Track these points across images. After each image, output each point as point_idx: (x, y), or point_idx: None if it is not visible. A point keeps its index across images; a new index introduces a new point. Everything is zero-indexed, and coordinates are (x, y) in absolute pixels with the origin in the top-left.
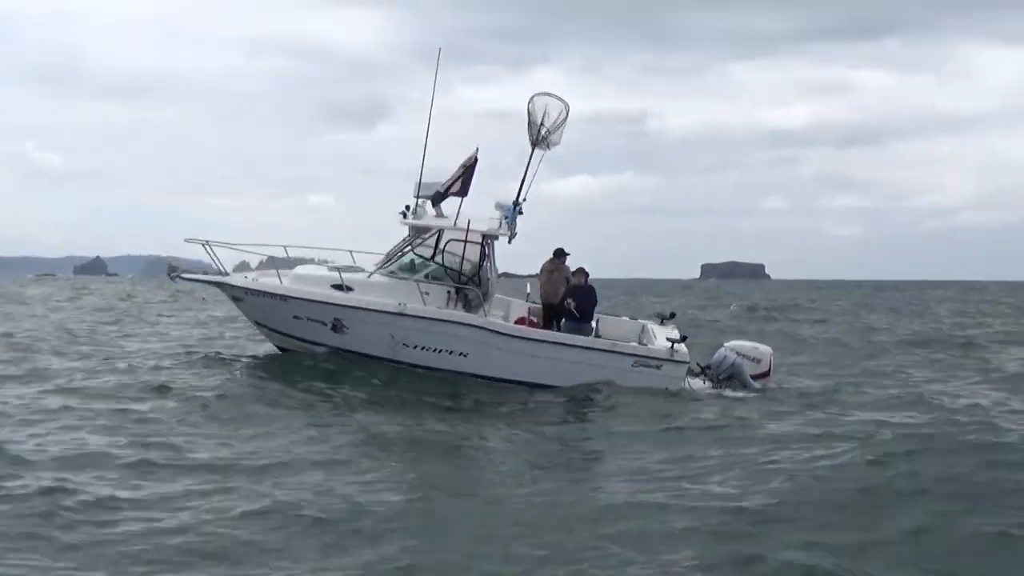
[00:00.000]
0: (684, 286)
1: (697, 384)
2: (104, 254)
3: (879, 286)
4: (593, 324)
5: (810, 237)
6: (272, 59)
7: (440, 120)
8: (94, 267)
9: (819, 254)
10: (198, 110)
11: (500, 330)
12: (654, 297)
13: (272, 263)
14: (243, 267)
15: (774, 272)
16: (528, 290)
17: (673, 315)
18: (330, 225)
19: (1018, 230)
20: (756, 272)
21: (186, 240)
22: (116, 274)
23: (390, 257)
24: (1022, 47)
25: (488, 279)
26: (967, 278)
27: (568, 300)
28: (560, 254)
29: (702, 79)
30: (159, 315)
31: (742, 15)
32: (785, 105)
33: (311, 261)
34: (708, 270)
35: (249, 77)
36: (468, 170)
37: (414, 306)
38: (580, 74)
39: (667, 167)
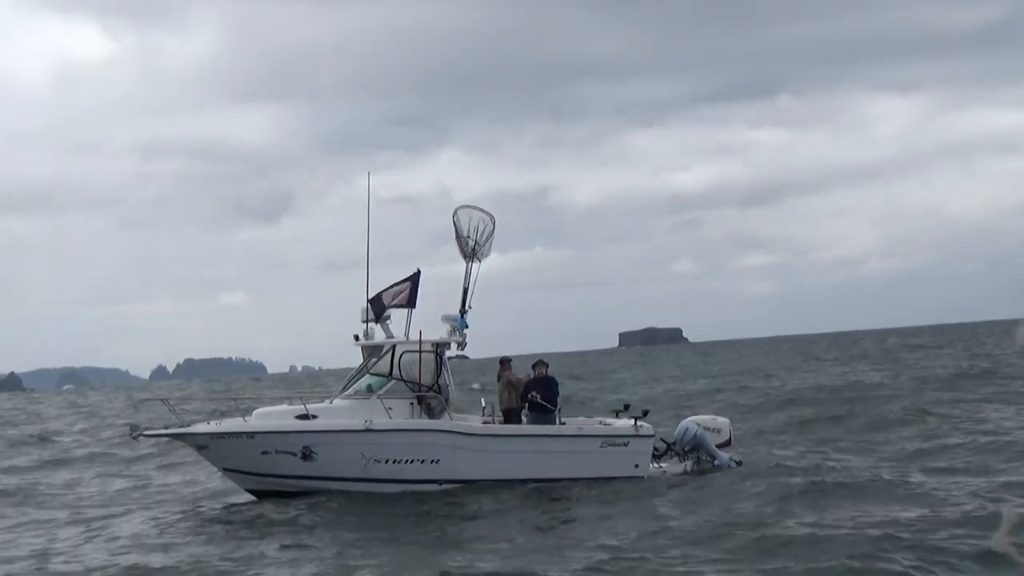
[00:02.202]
0: (605, 354)
1: (664, 463)
2: (19, 369)
3: (789, 340)
4: (557, 413)
5: (723, 297)
6: (170, 162)
7: (346, 211)
8: (10, 383)
9: (734, 313)
10: (99, 218)
11: (468, 431)
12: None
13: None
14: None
15: (692, 335)
16: (484, 404)
17: (627, 406)
18: (244, 323)
19: (924, 274)
20: (674, 336)
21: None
22: (34, 389)
23: (347, 383)
24: (911, 95)
25: (447, 386)
26: (880, 326)
27: (532, 392)
28: (505, 362)
29: (601, 149)
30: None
31: (635, 84)
32: (684, 169)
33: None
34: (626, 338)
35: (148, 181)
36: (413, 282)
37: (380, 420)
38: (480, 153)
39: (575, 239)
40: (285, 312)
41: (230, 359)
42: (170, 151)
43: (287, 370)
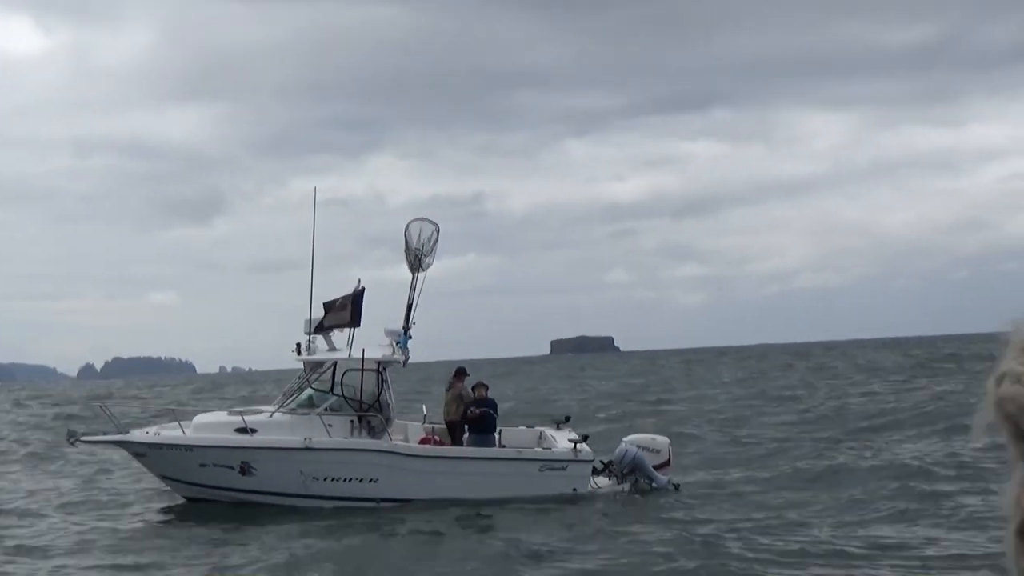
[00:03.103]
0: (535, 363)
1: (602, 481)
2: None
3: (723, 351)
4: (495, 435)
5: (656, 307)
6: (102, 158)
7: (279, 212)
8: None
9: (666, 324)
10: (29, 213)
11: (407, 452)
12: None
13: (173, 415)
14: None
15: (623, 344)
16: (425, 411)
17: (568, 418)
18: (174, 323)
19: (856, 289)
20: (605, 345)
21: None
22: None
23: (288, 395)
24: (846, 111)
25: (389, 404)
26: (811, 339)
27: (472, 409)
28: (460, 373)
29: (537, 157)
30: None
31: (572, 94)
32: (619, 179)
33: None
34: (558, 346)
35: (79, 177)
36: (356, 299)
37: (320, 439)
38: (415, 159)
39: (509, 246)
40: (216, 312)
41: (159, 358)
42: (103, 148)
43: (217, 370)
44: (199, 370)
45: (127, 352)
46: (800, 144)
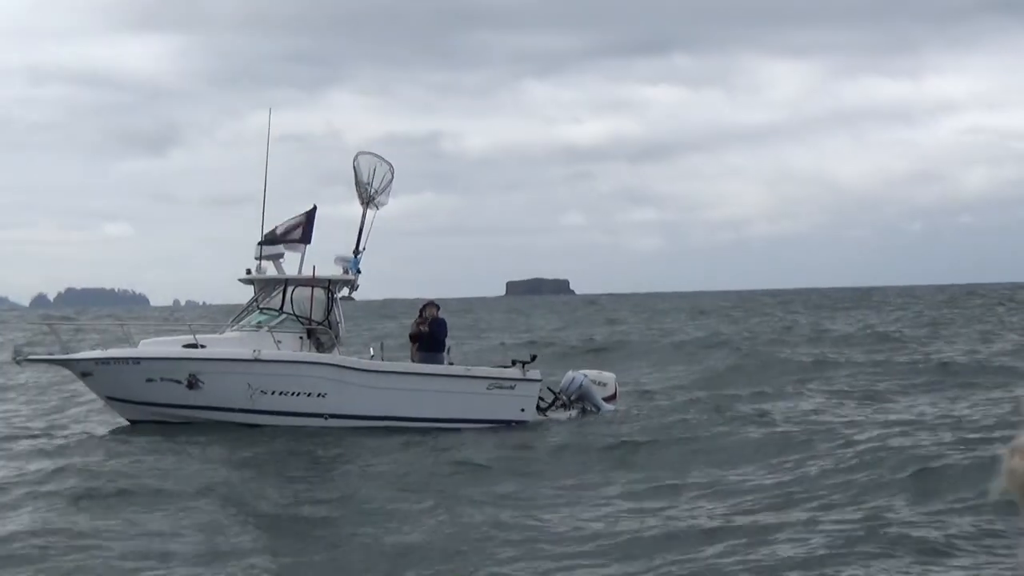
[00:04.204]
0: (491, 303)
1: (552, 414)
2: None
3: (682, 297)
4: (445, 354)
5: (611, 251)
6: (57, 86)
7: (235, 146)
8: None
9: (621, 267)
10: None
11: (356, 366)
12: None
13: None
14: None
15: (578, 287)
16: (372, 353)
17: (534, 357)
18: (127, 255)
19: (811, 238)
20: (560, 288)
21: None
22: None
23: (238, 317)
24: (805, 60)
25: (338, 323)
26: (762, 287)
27: (421, 328)
28: (429, 306)
29: (496, 97)
30: None
31: (532, 33)
32: (577, 122)
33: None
34: (513, 287)
35: (33, 105)
36: (308, 217)
37: (269, 351)
38: (373, 96)
39: (465, 186)
40: (170, 245)
41: (113, 290)
42: (58, 77)
43: (171, 303)
44: (152, 303)
45: (80, 283)
46: (759, 92)
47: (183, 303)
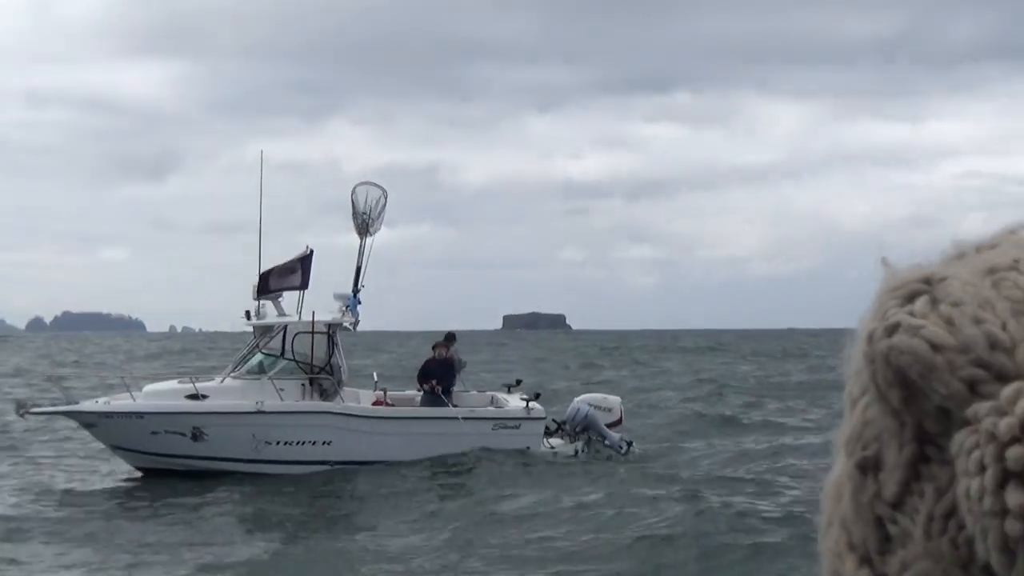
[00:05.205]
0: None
1: (555, 441)
2: None
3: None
4: (454, 390)
5: (608, 287)
6: (57, 111)
7: (234, 173)
8: None
9: (617, 304)
10: None
11: (360, 413)
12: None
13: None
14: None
15: (575, 322)
16: (376, 378)
17: (519, 382)
18: (125, 280)
19: (807, 277)
20: (557, 322)
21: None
22: None
23: (239, 362)
24: (807, 101)
25: (340, 367)
26: (758, 327)
27: (432, 382)
28: (451, 338)
29: (495, 131)
30: None
31: (534, 67)
32: (576, 157)
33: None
34: (510, 321)
35: (33, 128)
36: (304, 263)
37: (271, 402)
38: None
39: (464, 219)
40: (167, 271)
41: (109, 314)
42: (58, 101)
43: (167, 329)
44: (149, 328)
45: (77, 307)
46: (759, 132)
47: (179, 329)
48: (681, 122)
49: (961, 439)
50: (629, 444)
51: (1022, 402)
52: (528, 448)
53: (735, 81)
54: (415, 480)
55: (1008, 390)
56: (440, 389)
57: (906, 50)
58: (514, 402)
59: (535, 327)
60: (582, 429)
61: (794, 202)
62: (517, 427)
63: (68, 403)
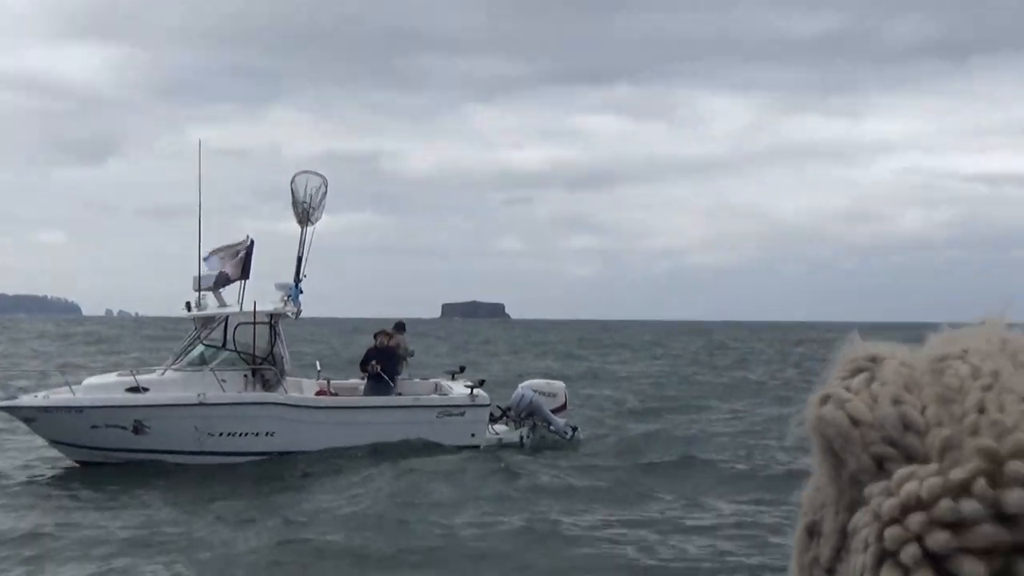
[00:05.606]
0: (426, 324)
1: (500, 428)
2: None
3: (608, 325)
4: (398, 377)
5: (548, 277)
6: None
7: (174, 158)
8: None
9: (557, 294)
10: None
11: (303, 403)
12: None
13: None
14: None
15: (513, 312)
16: (319, 367)
17: (463, 369)
18: (61, 263)
19: (746, 271)
20: (496, 311)
21: None
22: None
23: (180, 354)
24: (748, 95)
25: (282, 357)
26: (697, 318)
27: (372, 363)
28: (399, 327)
29: (438, 120)
30: None
31: (477, 57)
32: (518, 147)
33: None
34: (449, 309)
35: None
36: (246, 252)
37: (214, 394)
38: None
39: (404, 207)
40: (105, 255)
41: (45, 297)
42: None
43: (103, 313)
44: (85, 312)
45: (12, 289)
46: (700, 125)
47: (116, 313)
48: (624, 114)
49: (858, 516)
50: (574, 429)
51: (909, 485)
52: (473, 435)
53: (678, 75)
54: (355, 469)
55: (901, 472)
56: (379, 369)
57: (846, 47)
58: (458, 389)
59: (474, 316)
60: (527, 415)
61: (734, 195)
62: (462, 414)
63: (7, 398)
